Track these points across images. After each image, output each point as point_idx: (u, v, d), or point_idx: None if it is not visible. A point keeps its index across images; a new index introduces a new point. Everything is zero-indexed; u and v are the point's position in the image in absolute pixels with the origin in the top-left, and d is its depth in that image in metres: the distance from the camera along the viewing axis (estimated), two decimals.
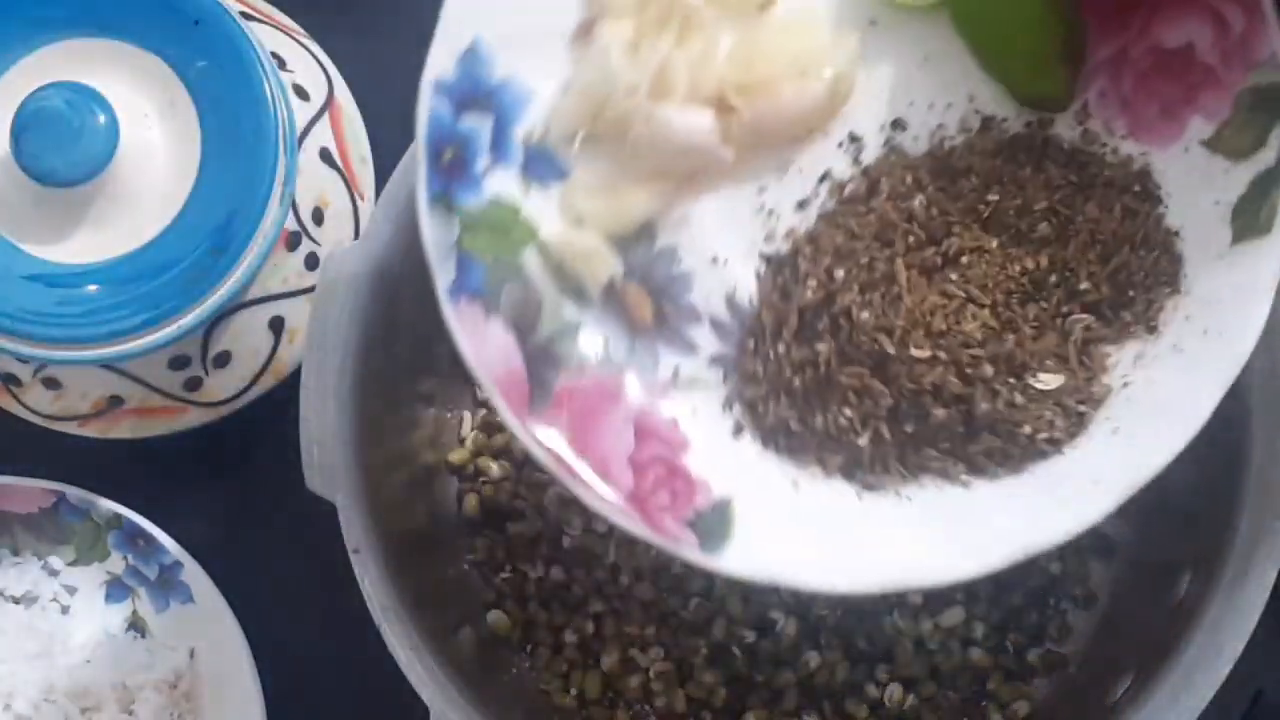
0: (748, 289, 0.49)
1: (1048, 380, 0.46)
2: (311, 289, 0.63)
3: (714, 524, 0.46)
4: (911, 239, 0.48)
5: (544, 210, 0.47)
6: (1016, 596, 0.64)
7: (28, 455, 0.69)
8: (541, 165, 0.47)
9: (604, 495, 0.44)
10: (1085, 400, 0.46)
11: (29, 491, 0.68)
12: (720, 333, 0.49)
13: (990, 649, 0.64)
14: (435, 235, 0.44)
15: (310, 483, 0.56)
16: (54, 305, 0.60)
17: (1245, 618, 0.52)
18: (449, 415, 0.68)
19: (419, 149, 0.44)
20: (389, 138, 0.67)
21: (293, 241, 0.63)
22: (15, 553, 0.69)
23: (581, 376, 0.46)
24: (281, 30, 0.67)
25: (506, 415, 0.44)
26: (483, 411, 0.68)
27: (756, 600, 0.64)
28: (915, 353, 0.46)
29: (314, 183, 0.64)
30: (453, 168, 0.45)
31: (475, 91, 0.45)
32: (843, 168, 0.50)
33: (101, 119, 0.59)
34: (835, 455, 0.48)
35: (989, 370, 0.46)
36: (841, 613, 0.63)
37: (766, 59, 0.48)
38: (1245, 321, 0.44)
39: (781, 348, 0.48)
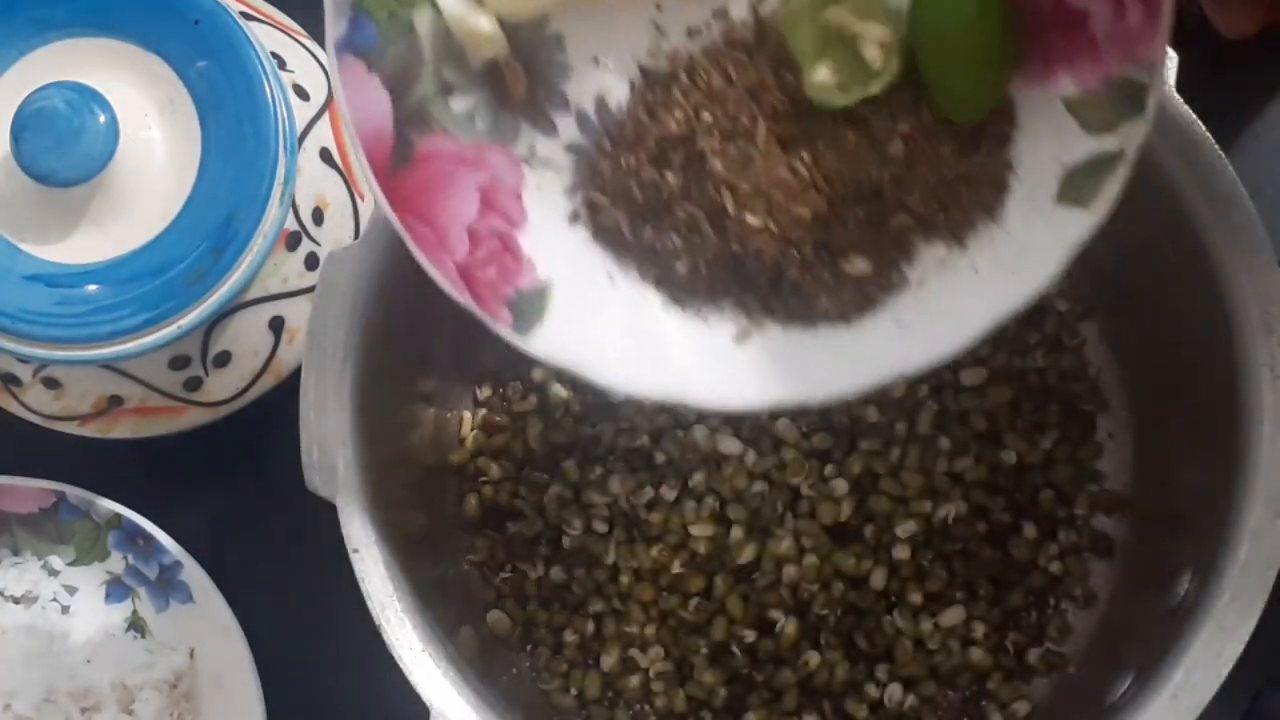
0: (619, 96, 0.50)
1: (857, 265, 0.48)
2: (311, 289, 0.63)
3: (531, 305, 0.48)
4: (779, 106, 0.49)
5: None
6: (1016, 596, 0.64)
7: (28, 455, 0.69)
8: None
9: (436, 262, 0.47)
10: (883, 286, 0.49)
11: (29, 491, 0.68)
12: (583, 126, 0.51)
13: (990, 649, 0.64)
14: None
15: (310, 483, 0.56)
16: (54, 305, 0.60)
17: (1245, 618, 0.52)
18: (449, 415, 0.68)
19: None
20: None
21: (293, 241, 0.63)
22: (15, 553, 0.69)
23: (444, 140, 0.49)
24: (281, 30, 0.67)
25: (367, 170, 0.47)
26: (483, 412, 0.68)
27: (756, 600, 0.64)
28: (750, 219, 0.48)
29: (314, 183, 0.64)
30: None
31: None
32: (740, 10, 0.50)
33: (101, 119, 0.59)
34: (653, 268, 0.50)
35: (810, 252, 0.48)
36: (841, 612, 0.64)
37: None
38: (1035, 274, 0.46)
39: (633, 161, 0.49)
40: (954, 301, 0.48)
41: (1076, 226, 0.46)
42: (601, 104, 0.50)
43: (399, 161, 0.47)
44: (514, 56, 0.49)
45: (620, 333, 0.49)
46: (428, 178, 0.48)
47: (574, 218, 0.50)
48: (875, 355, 0.48)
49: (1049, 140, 0.48)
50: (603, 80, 0.50)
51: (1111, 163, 0.46)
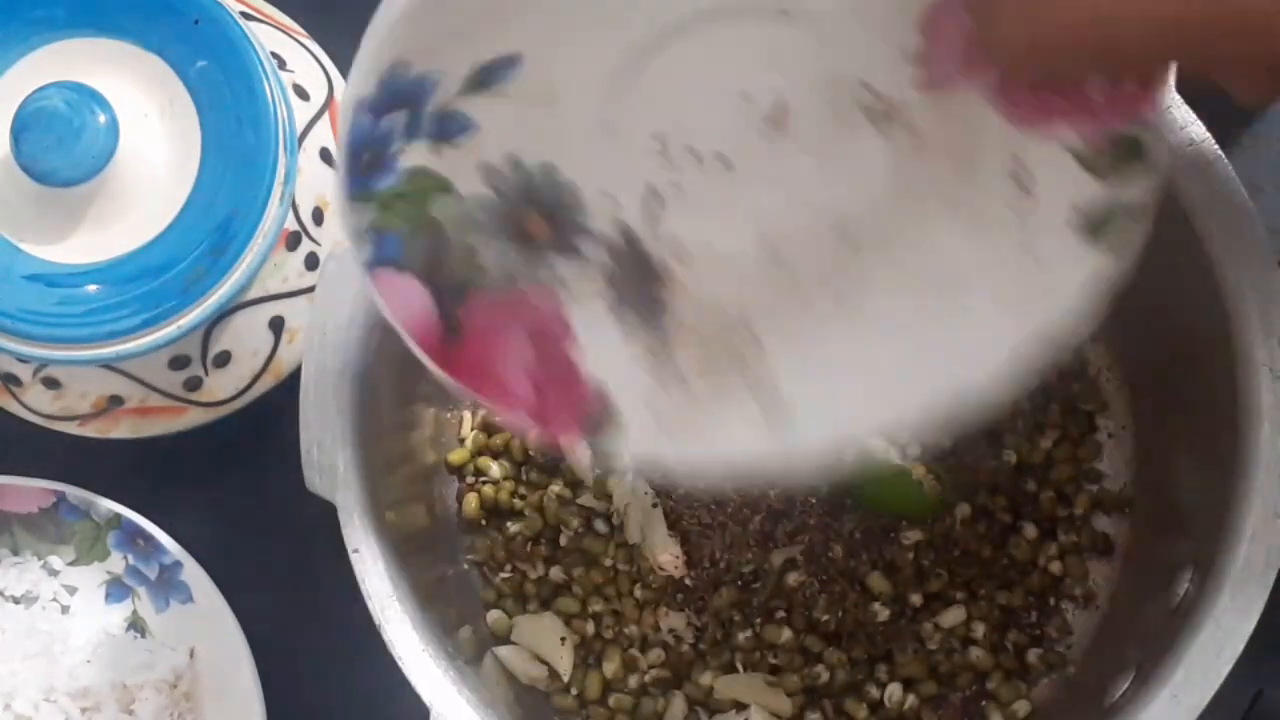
0: (634, 217, 0.50)
1: None
2: (311, 289, 0.63)
3: (604, 420, 0.49)
4: None
5: (457, 166, 0.48)
6: (1016, 596, 0.64)
7: (28, 455, 0.69)
8: (450, 125, 0.48)
9: (512, 413, 0.49)
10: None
11: (29, 491, 0.68)
12: (609, 247, 0.51)
13: (990, 649, 0.64)
14: (352, 223, 0.46)
15: (310, 483, 0.56)
16: (54, 305, 0.60)
17: (1245, 618, 0.52)
18: (449, 415, 0.68)
19: (340, 161, 0.45)
20: None
21: (293, 241, 0.63)
22: (15, 553, 0.69)
23: (484, 299, 0.49)
24: (281, 30, 0.67)
25: (423, 357, 0.48)
26: (483, 411, 0.68)
27: (757, 602, 0.64)
28: None
29: (314, 183, 0.64)
30: (370, 165, 0.46)
31: (393, 98, 0.46)
32: (761, 93, 0.49)
33: (101, 119, 0.59)
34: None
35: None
36: (841, 613, 0.64)
37: None
38: (1055, 301, 0.48)
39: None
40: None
41: (1096, 266, 0.47)
42: (624, 228, 0.50)
43: (450, 336, 0.48)
44: (532, 207, 0.50)
45: (682, 423, 0.50)
46: (480, 341, 0.49)
47: (626, 335, 0.51)
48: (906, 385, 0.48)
49: (1060, 184, 0.47)
50: (617, 207, 0.50)
51: (1127, 211, 0.46)
